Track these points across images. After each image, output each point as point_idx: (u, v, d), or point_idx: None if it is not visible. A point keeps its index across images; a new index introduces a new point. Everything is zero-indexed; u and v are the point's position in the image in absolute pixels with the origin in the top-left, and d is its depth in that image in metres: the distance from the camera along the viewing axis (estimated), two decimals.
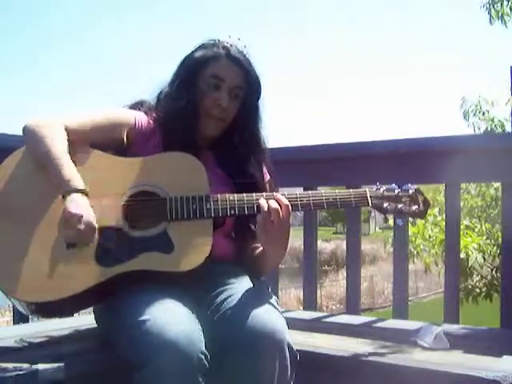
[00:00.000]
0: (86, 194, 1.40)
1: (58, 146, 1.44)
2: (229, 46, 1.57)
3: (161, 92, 1.61)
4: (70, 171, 1.41)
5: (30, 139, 1.47)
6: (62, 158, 1.43)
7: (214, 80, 1.55)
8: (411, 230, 5.22)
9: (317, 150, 2.38)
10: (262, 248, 1.56)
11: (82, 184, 1.40)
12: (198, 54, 1.57)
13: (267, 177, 1.66)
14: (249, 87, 1.58)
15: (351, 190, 1.49)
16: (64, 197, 1.38)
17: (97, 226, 1.38)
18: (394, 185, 1.51)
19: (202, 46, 1.59)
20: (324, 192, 1.48)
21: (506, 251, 2.07)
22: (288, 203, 1.42)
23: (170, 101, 1.56)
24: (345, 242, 2.35)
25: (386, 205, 1.49)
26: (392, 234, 2.34)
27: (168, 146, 1.53)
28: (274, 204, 1.41)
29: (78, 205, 1.36)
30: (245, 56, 1.58)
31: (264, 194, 1.46)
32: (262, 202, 1.42)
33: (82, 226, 1.35)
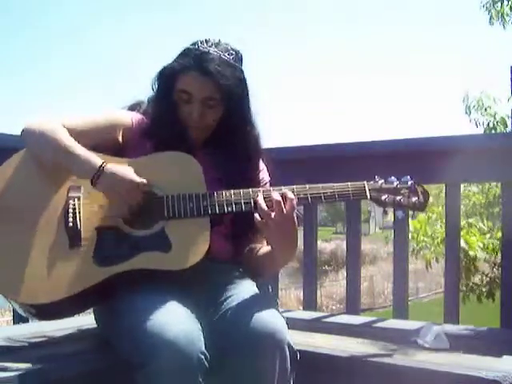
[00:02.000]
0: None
1: (65, 137, 1.44)
2: (200, 53, 1.49)
3: (150, 98, 1.61)
4: (86, 153, 1.42)
5: (32, 140, 1.47)
6: (74, 145, 1.43)
7: (183, 94, 1.51)
8: (414, 225, 5.23)
9: (317, 150, 2.38)
10: (268, 247, 1.52)
11: (100, 160, 1.42)
12: (168, 66, 1.53)
13: (266, 177, 1.66)
14: (225, 93, 1.50)
15: (349, 183, 1.47)
16: (96, 179, 1.39)
17: (97, 225, 1.40)
18: (392, 177, 1.49)
19: (176, 56, 1.54)
20: (322, 185, 1.46)
21: (505, 251, 2.07)
22: (293, 197, 1.39)
23: (153, 108, 1.58)
24: (345, 242, 2.35)
25: (384, 197, 1.47)
26: (392, 233, 2.34)
27: (161, 148, 1.52)
28: (276, 197, 1.39)
29: (120, 171, 1.40)
30: (219, 61, 1.48)
31: (261, 189, 1.46)
32: (260, 197, 1.41)
33: (128, 185, 1.39)
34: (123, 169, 1.42)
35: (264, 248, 1.58)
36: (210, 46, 1.51)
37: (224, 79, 1.49)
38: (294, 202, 1.39)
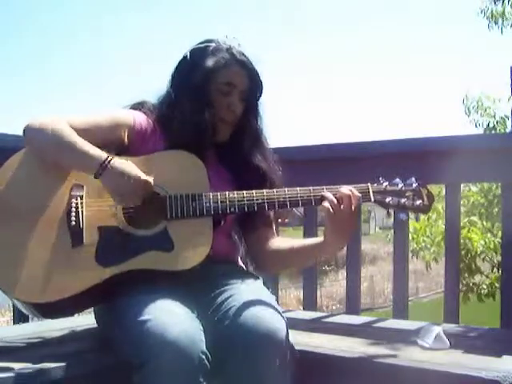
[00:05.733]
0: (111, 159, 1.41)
1: (68, 133, 1.43)
2: (231, 48, 1.57)
3: (165, 98, 1.60)
4: (91, 147, 1.42)
5: (34, 137, 1.46)
6: (78, 140, 1.43)
7: (227, 87, 1.55)
8: (414, 226, 5.22)
9: (317, 150, 2.38)
10: (300, 241, 1.57)
11: (106, 154, 1.42)
12: (208, 62, 1.54)
13: (277, 172, 1.65)
14: (253, 87, 1.59)
15: (352, 185, 1.46)
16: (102, 171, 1.39)
17: (99, 224, 1.40)
18: (397, 179, 1.48)
19: (205, 51, 1.56)
20: (325, 187, 1.46)
21: (505, 252, 2.07)
22: (360, 195, 1.43)
23: (181, 109, 1.54)
24: None
25: (388, 199, 1.46)
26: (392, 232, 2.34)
27: (173, 148, 1.53)
28: (346, 191, 1.41)
29: (126, 168, 1.40)
30: (246, 56, 1.58)
31: (264, 190, 1.46)
32: (326, 192, 1.43)
33: (133, 182, 1.39)
34: (130, 165, 1.42)
35: (292, 241, 1.60)
36: (234, 43, 1.59)
37: (254, 71, 1.59)
38: (360, 199, 1.43)
